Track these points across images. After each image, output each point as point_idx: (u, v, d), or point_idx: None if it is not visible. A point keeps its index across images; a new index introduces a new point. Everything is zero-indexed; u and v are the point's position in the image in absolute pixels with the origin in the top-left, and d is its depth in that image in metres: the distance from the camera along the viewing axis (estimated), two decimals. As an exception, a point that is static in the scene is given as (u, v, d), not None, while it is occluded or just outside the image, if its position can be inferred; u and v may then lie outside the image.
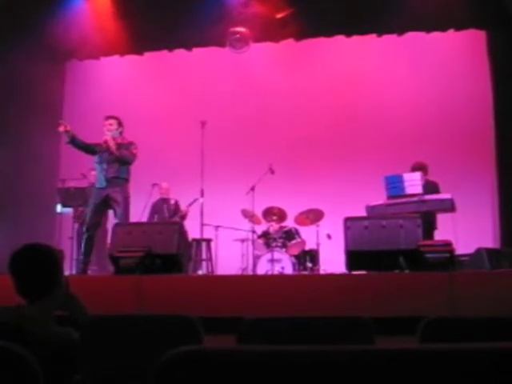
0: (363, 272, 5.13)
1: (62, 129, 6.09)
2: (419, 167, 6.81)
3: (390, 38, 8.84)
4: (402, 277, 4.68)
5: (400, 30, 8.61)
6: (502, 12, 7.78)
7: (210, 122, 7.63)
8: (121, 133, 6.39)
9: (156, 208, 8.22)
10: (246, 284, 4.78)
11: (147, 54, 9.40)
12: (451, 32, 8.49)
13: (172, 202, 8.32)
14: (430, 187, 6.70)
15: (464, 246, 5.88)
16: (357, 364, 0.96)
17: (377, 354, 0.97)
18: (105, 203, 6.21)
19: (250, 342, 2.13)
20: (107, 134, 6.24)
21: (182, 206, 8.20)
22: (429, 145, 8.59)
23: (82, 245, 6.18)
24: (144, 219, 7.61)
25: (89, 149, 6.35)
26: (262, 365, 0.97)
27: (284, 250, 7.51)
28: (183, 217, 8.03)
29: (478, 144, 8.74)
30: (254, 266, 7.39)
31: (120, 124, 6.39)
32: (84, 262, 6.10)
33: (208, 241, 8.05)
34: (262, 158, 8.34)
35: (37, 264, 2.26)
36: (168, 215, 8.13)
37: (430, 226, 6.53)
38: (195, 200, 7.64)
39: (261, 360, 0.98)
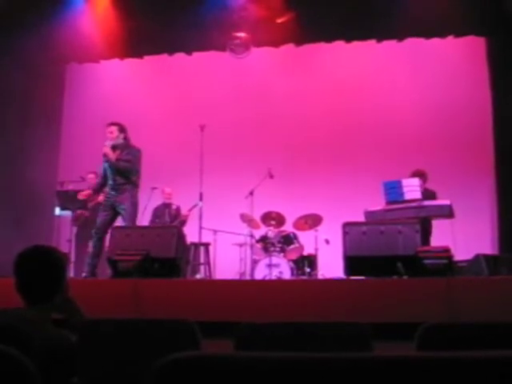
0: (361, 277, 5.12)
1: (84, 196, 6.71)
2: (419, 174, 6.82)
3: (389, 44, 8.86)
4: (400, 283, 4.68)
5: (400, 36, 8.62)
6: (501, 19, 7.81)
7: (209, 125, 7.64)
8: (125, 138, 6.43)
9: (158, 212, 8.22)
10: (243, 289, 4.78)
11: (147, 58, 9.40)
12: (451, 38, 8.51)
13: (174, 207, 8.33)
14: (428, 196, 6.71)
15: (462, 252, 5.88)
16: (355, 371, 0.96)
17: (375, 361, 0.97)
18: (113, 208, 6.30)
19: (247, 346, 2.13)
20: (106, 144, 6.32)
21: (183, 211, 8.19)
22: (427, 150, 8.60)
23: (91, 247, 6.25)
24: (144, 222, 7.59)
25: (106, 182, 6.53)
26: (260, 371, 0.97)
27: (282, 254, 7.50)
28: (183, 222, 8.02)
29: (477, 150, 8.74)
30: (252, 270, 7.39)
31: (122, 130, 6.42)
32: (92, 264, 6.12)
33: (206, 245, 8.04)
34: (261, 163, 8.34)
35: (43, 266, 2.26)
36: (169, 220, 8.14)
37: (426, 232, 6.54)
38: (196, 205, 7.61)
39: (260, 367, 0.97)
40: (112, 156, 6.26)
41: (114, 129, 6.37)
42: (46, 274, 2.26)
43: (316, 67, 9.52)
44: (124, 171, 6.28)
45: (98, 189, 6.63)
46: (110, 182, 6.36)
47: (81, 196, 6.73)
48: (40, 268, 2.25)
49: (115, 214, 6.31)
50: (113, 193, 6.31)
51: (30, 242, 2.44)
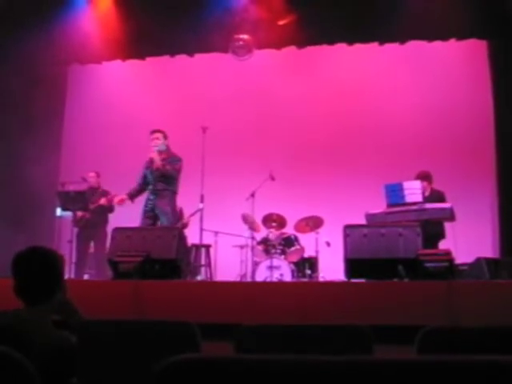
0: (362, 280, 5.12)
1: (118, 202, 6.77)
2: (423, 176, 6.81)
3: (391, 47, 8.85)
4: (401, 285, 4.67)
5: (402, 39, 8.62)
6: (502, 22, 7.81)
7: (211, 127, 7.63)
8: (167, 146, 6.66)
9: None
10: (244, 290, 4.78)
11: (149, 59, 9.39)
12: (453, 41, 8.50)
13: (177, 209, 8.30)
14: (436, 196, 6.71)
15: (463, 256, 5.87)
16: (355, 374, 0.95)
17: (375, 364, 0.97)
18: (154, 212, 6.50)
19: (247, 349, 2.13)
20: (153, 150, 6.54)
21: (185, 216, 8.16)
22: (429, 153, 8.59)
23: None
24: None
25: (143, 188, 6.71)
26: (260, 374, 0.97)
27: (283, 256, 7.50)
28: (184, 225, 7.99)
29: (479, 153, 8.74)
30: (253, 272, 7.38)
31: (165, 137, 6.68)
32: None
33: (207, 246, 8.03)
34: (263, 165, 8.35)
35: (40, 267, 2.26)
36: None
37: (437, 236, 6.53)
38: (197, 210, 7.57)
39: (260, 369, 0.97)
40: (158, 161, 6.44)
41: (160, 135, 6.65)
42: (44, 274, 2.26)
43: (318, 70, 9.52)
44: (169, 177, 6.50)
45: (135, 194, 6.73)
46: (151, 186, 6.56)
47: (116, 201, 6.88)
48: (38, 269, 2.25)
49: (156, 218, 6.51)
50: (152, 197, 6.52)
51: (30, 243, 2.44)
